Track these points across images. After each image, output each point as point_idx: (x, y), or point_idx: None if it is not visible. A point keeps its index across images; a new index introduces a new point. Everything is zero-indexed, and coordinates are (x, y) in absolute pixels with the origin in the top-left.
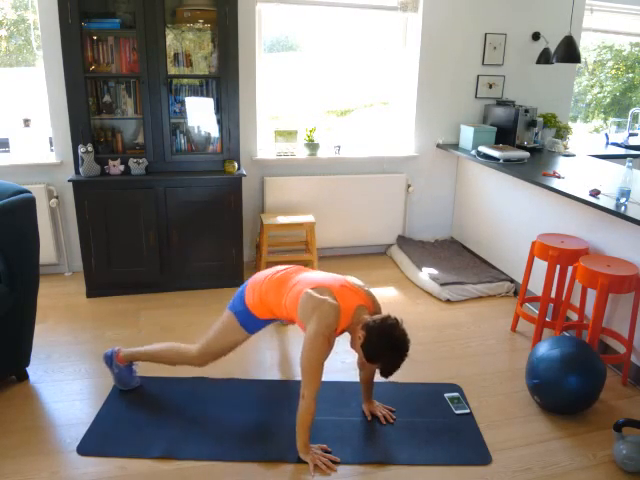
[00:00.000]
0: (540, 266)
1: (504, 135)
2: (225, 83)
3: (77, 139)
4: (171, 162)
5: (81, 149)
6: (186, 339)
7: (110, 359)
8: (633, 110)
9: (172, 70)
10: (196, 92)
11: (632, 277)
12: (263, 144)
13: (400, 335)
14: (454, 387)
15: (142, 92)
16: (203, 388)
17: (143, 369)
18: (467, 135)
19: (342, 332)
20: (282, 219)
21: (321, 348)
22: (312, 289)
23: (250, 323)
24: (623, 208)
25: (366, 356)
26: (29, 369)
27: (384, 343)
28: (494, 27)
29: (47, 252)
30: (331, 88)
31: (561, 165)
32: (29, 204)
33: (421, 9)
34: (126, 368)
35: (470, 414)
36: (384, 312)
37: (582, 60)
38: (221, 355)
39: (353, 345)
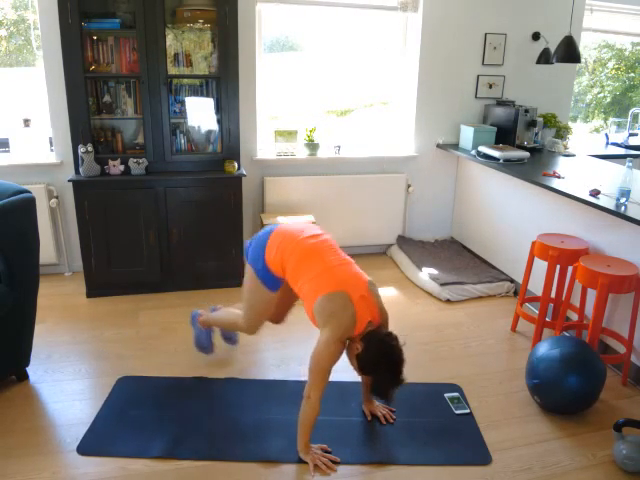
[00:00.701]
0: (540, 266)
1: (504, 135)
2: (225, 83)
3: (77, 139)
4: (171, 162)
5: (81, 149)
6: (186, 339)
7: (194, 319)
8: (633, 110)
9: (172, 70)
10: (196, 92)
11: (632, 277)
12: (263, 144)
13: (398, 356)
14: (454, 387)
15: (142, 92)
16: (203, 388)
17: (142, 368)
18: (467, 135)
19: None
20: (282, 219)
21: (334, 354)
22: (333, 292)
23: (271, 281)
24: (623, 208)
25: (360, 367)
26: (29, 369)
27: (381, 359)
28: (494, 27)
29: (47, 252)
30: (331, 88)
31: (561, 165)
32: (29, 204)
33: (421, 9)
34: (205, 331)
35: (470, 414)
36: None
37: (582, 60)
38: (264, 319)
39: (348, 352)
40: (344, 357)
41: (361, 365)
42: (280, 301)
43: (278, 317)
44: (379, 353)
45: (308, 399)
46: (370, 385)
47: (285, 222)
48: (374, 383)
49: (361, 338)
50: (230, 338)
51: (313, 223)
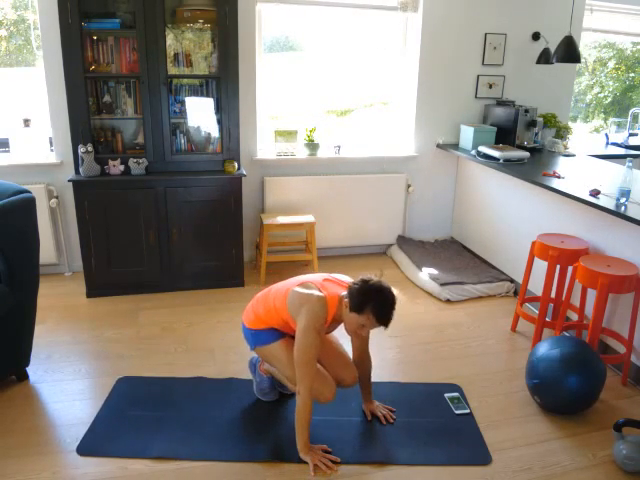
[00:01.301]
0: (540, 266)
1: (504, 135)
2: (225, 83)
3: (77, 139)
4: (171, 162)
5: (81, 149)
6: (186, 339)
7: (254, 367)
8: (633, 110)
9: (172, 70)
10: (196, 92)
11: (632, 277)
12: (263, 144)
13: (377, 281)
14: (454, 387)
15: (142, 92)
16: (203, 388)
17: (142, 368)
18: (467, 135)
19: (332, 323)
20: (282, 219)
21: (312, 341)
22: (297, 286)
23: (267, 334)
24: (623, 208)
25: (355, 309)
26: (29, 369)
27: (365, 290)
28: (494, 27)
29: (47, 252)
30: (331, 88)
31: (561, 165)
32: (29, 204)
33: (421, 9)
34: (268, 379)
35: (470, 414)
36: None
37: (582, 60)
38: (310, 370)
39: (345, 322)
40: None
41: (354, 307)
42: (326, 356)
43: (338, 374)
44: (360, 286)
45: (298, 395)
46: (374, 317)
47: (285, 222)
48: (375, 311)
49: (345, 295)
50: (265, 394)
51: (313, 223)
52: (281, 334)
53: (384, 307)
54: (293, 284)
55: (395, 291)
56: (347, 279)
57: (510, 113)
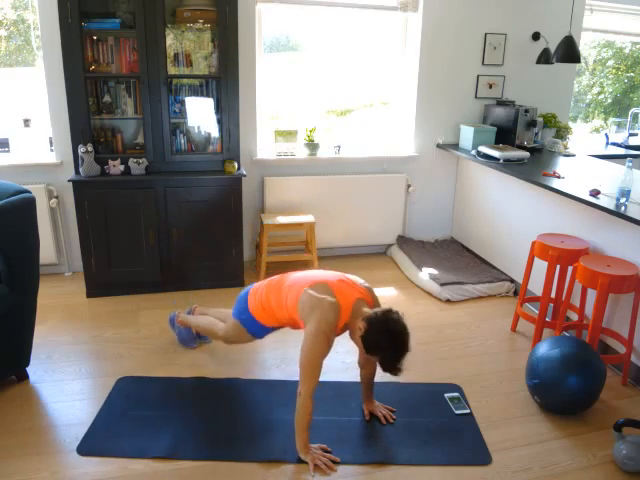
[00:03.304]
0: (540, 266)
1: (504, 135)
2: (225, 83)
3: (77, 139)
4: (171, 162)
5: (81, 149)
6: None
7: (172, 321)
8: (633, 110)
9: (172, 70)
10: (196, 92)
11: (632, 277)
12: (263, 144)
13: (401, 328)
14: (454, 387)
15: (142, 92)
16: (203, 388)
17: (142, 368)
18: (467, 135)
19: (342, 329)
20: (282, 219)
21: (321, 346)
22: (311, 287)
23: (257, 330)
24: (623, 208)
25: (366, 347)
26: (29, 369)
27: (385, 335)
28: (494, 27)
29: (47, 252)
30: (331, 88)
31: (561, 165)
32: (29, 204)
33: (421, 9)
34: (185, 329)
35: (470, 414)
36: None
37: (582, 60)
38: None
39: (352, 336)
40: (344, 357)
41: (366, 346)
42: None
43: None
44: (383, 326)
45: (299, 396)
46: (380, 363)
47: (285, 222)
48: (382, 360)
49: (363, 318)
50: (205, 337)
51: (313, 223)
52: (269, 330)
53: (394, 361)
54: (308, 281)
55: (409, 336)
56: (361, 282)
57: (510, 113)
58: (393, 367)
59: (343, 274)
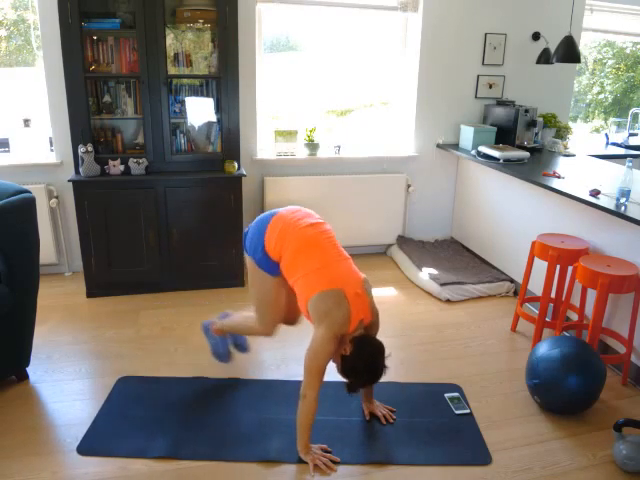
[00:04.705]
0: (540, 266)
1: (504, 135)
2: (225, 83)
3: (77, 139)
4: (171, 162)
5: (81, 149)
6: (186, 339)
7: (207, 329)
8: (633, 110)
9: (172, 70)
10: (196, 92)
11: (632, 277)
12: (263, 144)
13: (381, 367)
14: (454, 387)
15: (142, 92)
16: (203, 388)
17: (142, 368)
18: (467, 135)
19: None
20: None
21: (329, 352)
22: (328, 290)
23: (271, 267)
24: (623, 208)
25: (343, 368)
26: (29, 369)
27: (367, 366)
28: (494, 27)
29: (47, 252)
30: (331, 88)
31: (561, 165)
32: (29, 204)
33: (421, 9)
34: (221, 340)
35: (470, 414)
36: (381, 314)
37: (582, 59)
38: (277, 315)
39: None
40: None
41: (343, 367)
42: (288, 298)
43: (290, 316)
44: (364, 364)
45: (304, 398)
46: (345, 382)
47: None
48: (349, 383)
49: (351, 340)
50: (241, 345)
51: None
52: (280, 272)
53: (359, 386)
54: (326, 280)
55: (384, 345)
56: (370, 294)
57: (510, 113)
58: (354, 391)
59: (362, 283)
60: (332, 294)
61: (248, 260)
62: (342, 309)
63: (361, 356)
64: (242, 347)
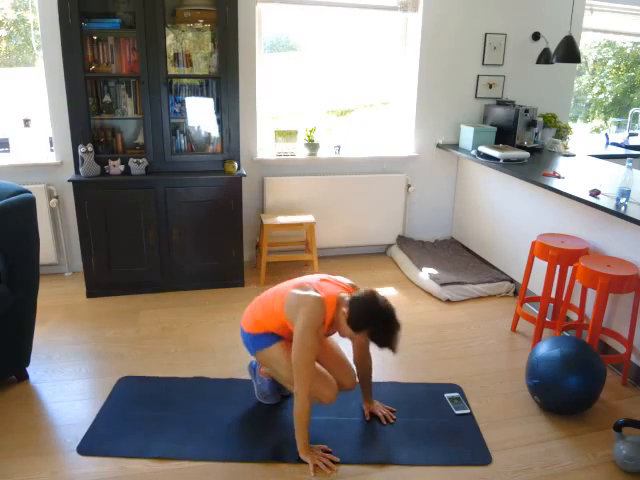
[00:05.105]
0: (540, 266)
1: (504, 135)
2: (225, 83)
3: (77, 139)
4: (171, 162)
5: (81, 149)
6: (186, 339)
7: (254, 370)
8: (633, 110)
9: (172, 70)
10: (196, 92)
11: (632, 277)
12: (263, 144)
13: (383, 299)
14: (454, 387)
15: (142, 92)
16: (203, 388)
17: (142, 368)
18: (467, 135)
19: (330, 327)
20: (282, 219)
21: (310, 342)
22: (294, 288)
23: (266, 340)
24: (623, 208)
25: (353, 326)
26: (29, 369)
27: (368, 306)
28: (494, 27)
29: (47, 252)
30: (331, 88)
31: (561, 165)
32: (29, 204)
33: (421, 9)
34: (269, 382)
35: (470, 414)
36: None
37: (582, 59)
38: (309, 374)
39: (340, 331)
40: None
41: (352, 324)
42: (327, 361)
43: (340, 378)
44: (365, 305)
45: (296, 396)
46: (373, 339)
47: (285, 222)
48: (373, 336)
49: (345, 304)
50: (285, 388)
51: (313, 223)
52: (279, 337)
53: (386, 333)
54: (290, 286)
55: (398, 315)
56: (345, 281)
57: (510, 113)
58: (386, 339)
59: (326, 274)
60: (299, 288)
61: (258, 356)
62: (313, 295)
63: (360, 301)
64: (285, 390)
